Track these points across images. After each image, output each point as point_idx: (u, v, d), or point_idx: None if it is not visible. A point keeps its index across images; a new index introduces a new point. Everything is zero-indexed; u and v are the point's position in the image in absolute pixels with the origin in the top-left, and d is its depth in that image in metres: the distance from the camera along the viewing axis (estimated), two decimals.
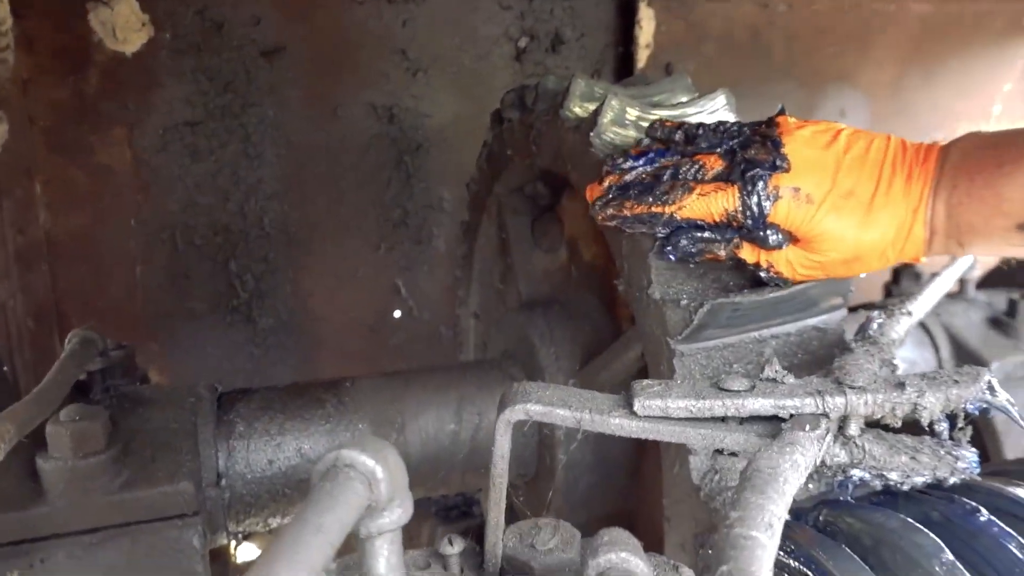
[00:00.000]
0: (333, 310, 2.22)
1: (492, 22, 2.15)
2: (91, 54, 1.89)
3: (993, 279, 1.86)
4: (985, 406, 0.66)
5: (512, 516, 0.77)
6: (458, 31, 2.13)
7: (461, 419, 1.39)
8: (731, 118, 1.25)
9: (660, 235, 1.02)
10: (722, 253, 0.99)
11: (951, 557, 0.65)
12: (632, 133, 1.20)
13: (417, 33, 2.10)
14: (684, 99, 1.31)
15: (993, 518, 0.69)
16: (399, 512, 0.56)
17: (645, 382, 0.74)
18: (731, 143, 0.97)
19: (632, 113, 1.21)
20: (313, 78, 2.06)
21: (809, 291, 1.01)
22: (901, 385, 0.67)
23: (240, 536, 1.46)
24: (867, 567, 0.68)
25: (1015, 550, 0.67)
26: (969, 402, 0.65)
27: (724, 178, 0.96)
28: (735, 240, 0.97)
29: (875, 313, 0.95)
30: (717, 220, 0.97)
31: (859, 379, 0.68)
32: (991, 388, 0.66)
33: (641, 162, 1.04)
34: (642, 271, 1.05)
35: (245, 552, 1.85)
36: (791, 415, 0.68)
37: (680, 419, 0.71)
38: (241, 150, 2.05)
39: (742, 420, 0.71)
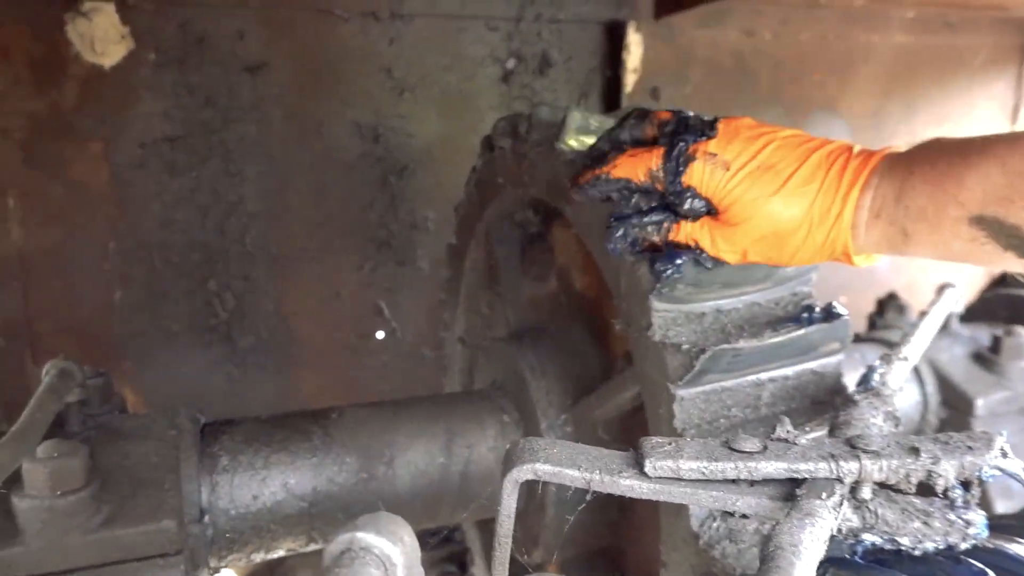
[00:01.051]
0: (315, 330, 2.18)
1: (479, 43, 2.13)
2: (68, 66, 1.84)
3: (975, 313, 1.89)
4: (999, 473, 0.66)
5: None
6: (445, 51, 2.11)
7: (451, 453, 1.37)
8: None
9: (610, 225, 1.08)
10: (656, 238, 1.04)
11: None
12: None
13: (403, 52, 2.08)
14: None
15: None
16: None
17: (655, 440, 0.73)
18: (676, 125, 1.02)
19: None
20: (297, 95, 2.03)
21: (809, 336, 1.01)
22: (915, 451, 0.66)
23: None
24: None
25: None
26: (983, 468, 0.65)
27: (657, 143, 1.02)
28: (666, 225, 1.03)
29: (876, 363, 0.95)
30: (642, 180, 1.02)
31: (872, 442, 0.68)
32: (1004, 453, 0.66)
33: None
34: (642, 312, 1.05)
35: None
36: (804, 479, 0.67)
37: (691, 480, 0.70)
38: (222, 167, 2.01)
39: (753, 482, 0.70)
